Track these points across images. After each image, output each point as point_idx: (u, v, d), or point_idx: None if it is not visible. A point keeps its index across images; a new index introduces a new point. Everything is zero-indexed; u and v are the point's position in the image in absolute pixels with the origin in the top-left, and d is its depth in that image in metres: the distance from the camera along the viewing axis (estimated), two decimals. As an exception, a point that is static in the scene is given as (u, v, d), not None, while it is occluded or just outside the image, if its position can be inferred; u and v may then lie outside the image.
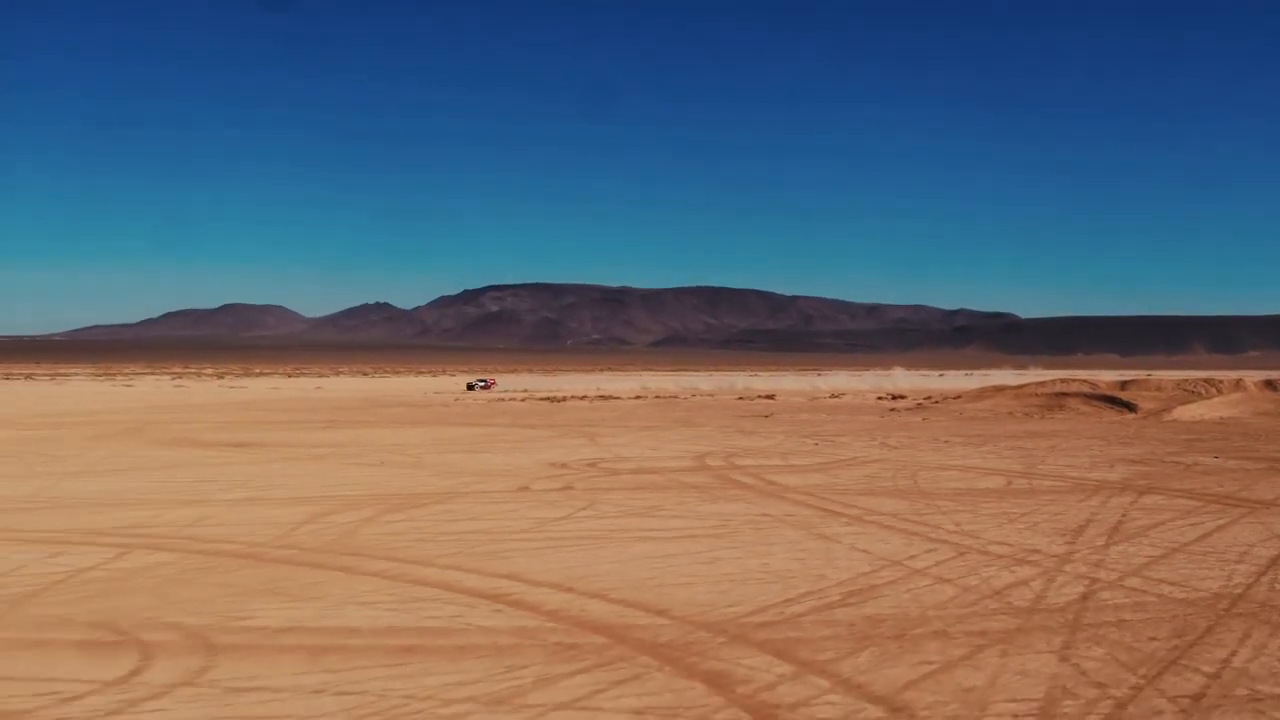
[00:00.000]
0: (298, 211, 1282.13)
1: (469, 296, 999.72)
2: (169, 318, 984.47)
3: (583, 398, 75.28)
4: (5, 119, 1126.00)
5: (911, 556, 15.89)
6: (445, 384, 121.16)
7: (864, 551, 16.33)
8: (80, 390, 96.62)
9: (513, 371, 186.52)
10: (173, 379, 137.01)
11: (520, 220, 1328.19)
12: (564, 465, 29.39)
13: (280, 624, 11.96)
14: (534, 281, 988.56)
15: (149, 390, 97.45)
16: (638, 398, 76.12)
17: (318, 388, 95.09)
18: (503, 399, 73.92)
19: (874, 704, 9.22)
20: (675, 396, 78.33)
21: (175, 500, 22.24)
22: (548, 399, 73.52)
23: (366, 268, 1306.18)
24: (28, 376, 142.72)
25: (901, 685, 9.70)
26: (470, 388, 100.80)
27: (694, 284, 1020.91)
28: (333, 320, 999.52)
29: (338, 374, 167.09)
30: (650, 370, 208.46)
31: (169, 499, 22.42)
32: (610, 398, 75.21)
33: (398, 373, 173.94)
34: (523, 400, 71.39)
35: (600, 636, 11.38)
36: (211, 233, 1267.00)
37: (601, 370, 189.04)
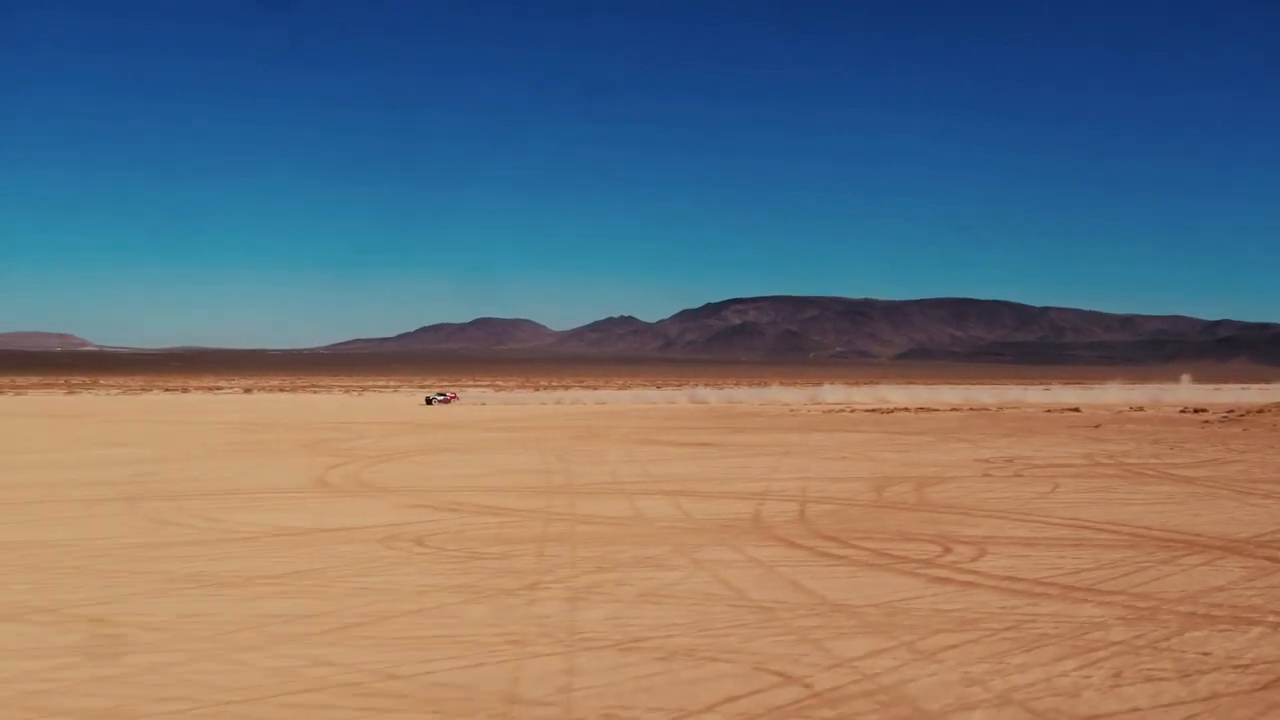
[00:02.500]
0: (551, 225, 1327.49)
1: (711, 310, 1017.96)
2: (423, 332, 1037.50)
3: (905, 409, 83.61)
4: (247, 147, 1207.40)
5: (1333, 515, 24.06)
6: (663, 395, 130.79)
7: (1295, 513, 24.58)
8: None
9: (763, 384, 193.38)
10: (494, 390, 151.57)
11: (763, 233, 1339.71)
12: (988, 461, 38.03)
13: (980, 534, 21.25)
14: (776, 294, 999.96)
15: (491, 401, 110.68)
16: (954, 409, 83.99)
17: (672, 401, 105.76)
18: (832, 410, 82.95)
19: (1371, 569, 17.80)
20: (986, 409, 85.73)
21: (755, 479, 32.07)
22: (874, 410, 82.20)
23: (611, 282, 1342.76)
24: (362, 390, 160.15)
25: (1380, 563, 18.23)
26: (429, 401, 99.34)
27: (939, 295, 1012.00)
28: (578, 334, 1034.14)
29: (624, 388, 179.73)
30: (913, 383, 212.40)
31: (750, 479, 32.26)
32: (930, 410, 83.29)
33: (641, 386, 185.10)
34: (852, 412, 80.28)
35: (1176, 542, 20.21)
36: (466, 248, 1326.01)
37: (863, 384, 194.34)
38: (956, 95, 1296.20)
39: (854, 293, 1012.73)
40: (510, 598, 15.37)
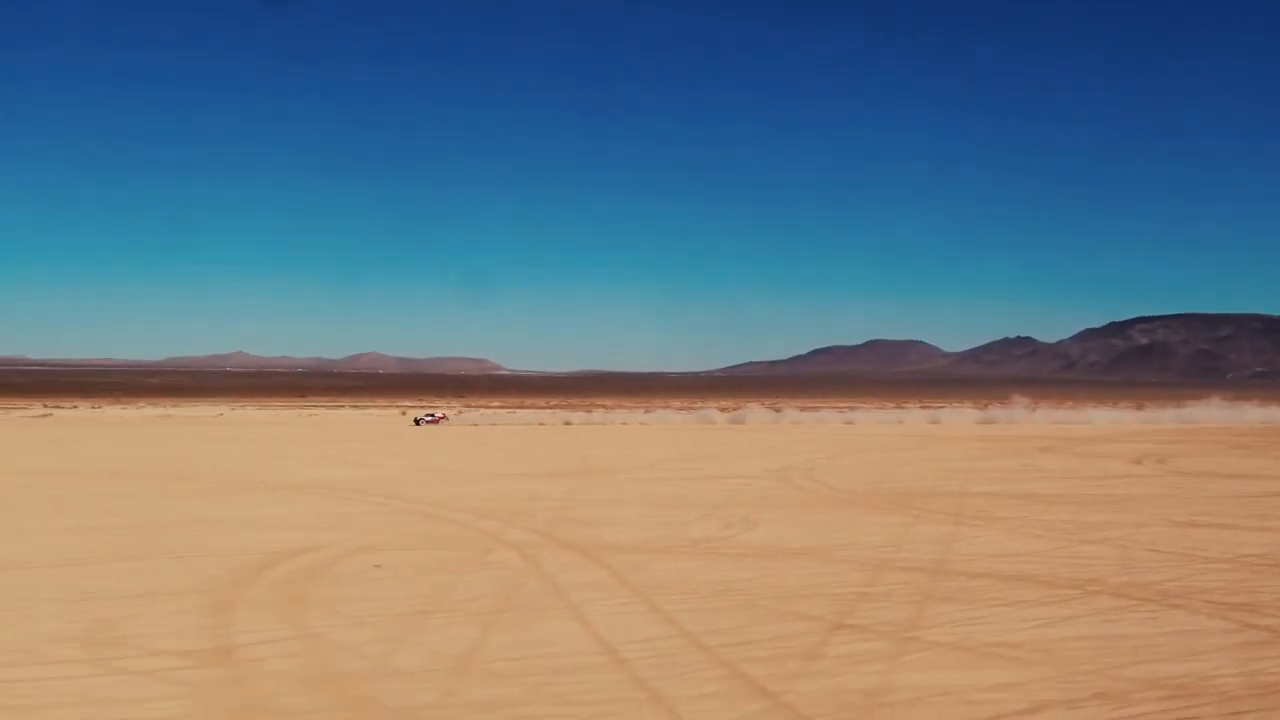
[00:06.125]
0: (946, 246, 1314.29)
1: (1115, 329, 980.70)
2: (815, 354, 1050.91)
3: None
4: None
5: None
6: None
7: None
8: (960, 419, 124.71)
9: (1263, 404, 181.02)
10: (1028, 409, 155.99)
11: (1169, 247, 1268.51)
12: None
13: None
14: (1186, 311, 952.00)
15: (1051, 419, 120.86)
16: None
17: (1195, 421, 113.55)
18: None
19: None
20: None
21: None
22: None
23: (1007, 301, 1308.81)
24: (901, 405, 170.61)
25: None
26: (417, 423, 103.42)
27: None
28: (973, 355, 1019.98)
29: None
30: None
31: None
32: None
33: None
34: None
35: None
36: (857, 269, 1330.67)
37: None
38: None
39: (1276, 309, 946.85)
40: None
